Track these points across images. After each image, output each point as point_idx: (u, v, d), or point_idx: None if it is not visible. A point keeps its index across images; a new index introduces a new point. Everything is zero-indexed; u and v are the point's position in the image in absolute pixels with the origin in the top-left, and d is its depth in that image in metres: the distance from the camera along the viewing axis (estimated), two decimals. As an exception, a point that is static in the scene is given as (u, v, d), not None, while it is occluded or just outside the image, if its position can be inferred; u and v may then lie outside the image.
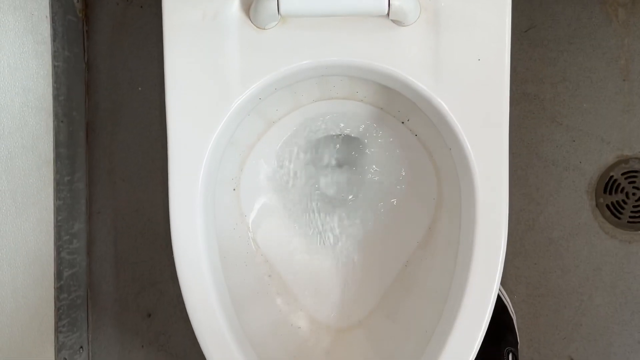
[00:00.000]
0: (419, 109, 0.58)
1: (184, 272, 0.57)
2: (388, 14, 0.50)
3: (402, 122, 0.66)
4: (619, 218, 0.92)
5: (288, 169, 0.70)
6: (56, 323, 0.86)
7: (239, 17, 0.54)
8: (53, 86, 0.85)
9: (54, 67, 0.85)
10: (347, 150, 0.73)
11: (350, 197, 0.73)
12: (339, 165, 0.73)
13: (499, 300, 0.89)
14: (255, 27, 0.54)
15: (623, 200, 0.92)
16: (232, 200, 0.66)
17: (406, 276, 0.67)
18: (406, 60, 0.53)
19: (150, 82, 0.95)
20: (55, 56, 0.85)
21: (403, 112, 0.65)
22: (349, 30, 0.53)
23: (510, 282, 0.93)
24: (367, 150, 0.71)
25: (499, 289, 0.89)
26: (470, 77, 0.53)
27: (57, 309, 0.87)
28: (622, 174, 0.91)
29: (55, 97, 0.85)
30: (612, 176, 0.91)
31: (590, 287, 0.92)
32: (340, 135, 0.71)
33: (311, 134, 0.70)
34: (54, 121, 0.85)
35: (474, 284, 0.56)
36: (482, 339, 0.57)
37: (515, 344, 0.88)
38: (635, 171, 0.91)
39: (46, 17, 0.84)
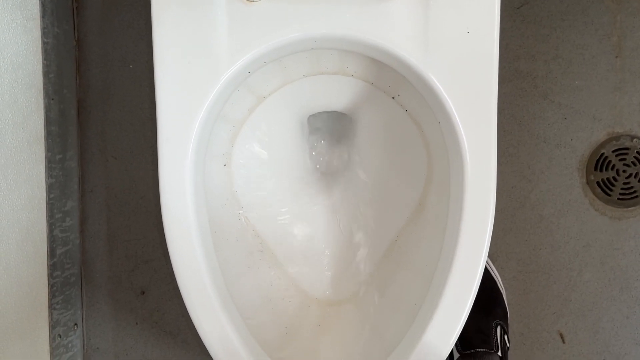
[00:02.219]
0: (409, 84, 0.58)
1: (175, 248, 0.57)
2: (377, -15, 0.50)
3: (393, 98, 0.66)
4: (609, 195, 0.92)
5: (279, 144, 0.70)
6: (50, 300, 0.87)
7: (227, -11, 0.53)
8: (43, 63, 0.84)
9: (44, 43, 0.84)
10: (338, 125, 0.73)
11: (341, 173, 0.73)
12: (330, 140, 0.74)
13: (488, 274, 0.89)
14: (243, 0, 0.53)
15: (613, 178, 0.92)
16: (224, 176, 0.66)
17: (396, 250, 0.68)
18: (395, 32, 0.53)
19: (142, 59, 0.94)
20: (44, 33, 0.84)
21: (393, 87, 0.65)
22: (338, 3, 0.53)
23: (501, 258, 0.94)
24: (357, 126, 0.71)
25: (489, 264, 0.90)
26: (459, 49, 0.53)
27: (51, 286, 0.87)
28: (613, 151, 0.92)
29: (46, 74, 0.85)
30: (603, 153, 0.92)
31: (579, 264, 0.93)
32: (331, 110, 0.71)
33: (302, 109, 0.70)
34: (44, 98, 0.85)
35: (461, 258, 0.57)
36: (469, 311, 0.57)
37: (504, 317, 0.89)
38: (626, 148, 0.91)
39: (35, -8, 0.83)
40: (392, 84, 0.64)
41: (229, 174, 0.67)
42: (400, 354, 0.58)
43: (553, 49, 0.91)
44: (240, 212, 0.68)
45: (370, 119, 0.70)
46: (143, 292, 0.97)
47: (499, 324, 0.86)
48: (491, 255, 0.93)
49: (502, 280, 0.92)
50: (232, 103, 0.62)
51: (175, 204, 0.56)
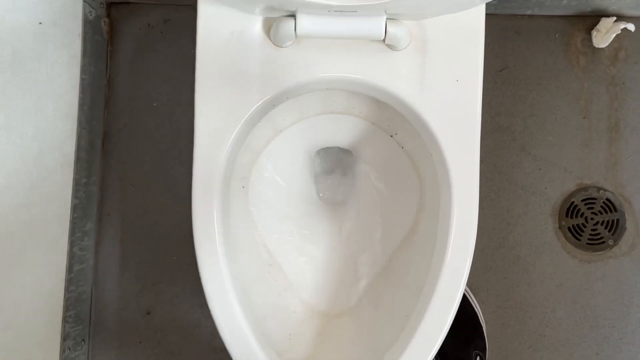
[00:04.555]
0: (406, 123, 0.69)
1: (203, 257, 0.64)
2: (384, 39, 0.62)
3: (391, 136, 0.77)
4: (579, 240, 1.03)
5: (290, 173, 0.80)
6: (64, 312, 0.93)
7: (261, 36, 0.65)
8: (79, 96, 0.94)
9: (82, 79, 0.95)
10: (342, 159, 0.84)
11: (343, 200, 0.83)
12: (335, 172, 0.84)
13: (471, 308, 0.98)
14: (274, 45, 0.65)
15: (582, 224, 1.03)
16: (241, 197, 0.76)
17: (390, 270, 0.77)
18: (397, 78, 0.64)
19: (164, 99, 1.05)
20: (83, 70, 0.95)
21: (392, 126, 0.76)
22: (352, 51, 0.64)
23: (482, 293, 1.02)
24: (359, 160, 0.82)
25: (472, 298, 0.98)
26: (449, 94, 0.64)
27: (66, 300, 0.93)
28: (582, 201, 1.03)
29: (80, 106, 0.95)
30: (573, 202, 1.03)
31: (553, 302, 1.02)
32: (337, 145, 0.82)
33: (312, 143, 0.80)
34: (77, 127, 0.94)
35: (446, 278, 0.64)
36: (450, 323, 0.64)
37: (483, 349, 0.96)
38: (594, 198, 1.03)
39: (79, 35, 0.94)
40: (391, 123, 0.75)
41: (246, 195, 0.76)
42: (390, 358, 0.66)
43: (529, 108, 1.04)
44: (254, 229, 0.76)
45: (371, 154, 0.80)
46: (148, 313, 1.03)
47: (479, 355, 0.94)
48: (473, 290, 1.02)
49: (482, 314, 1.00)
50: (254, 133, 0.73)
51: (204, 219, 0.64)
